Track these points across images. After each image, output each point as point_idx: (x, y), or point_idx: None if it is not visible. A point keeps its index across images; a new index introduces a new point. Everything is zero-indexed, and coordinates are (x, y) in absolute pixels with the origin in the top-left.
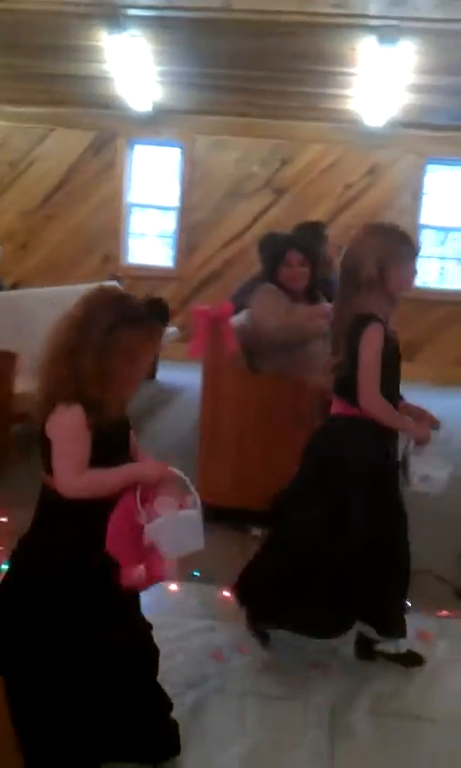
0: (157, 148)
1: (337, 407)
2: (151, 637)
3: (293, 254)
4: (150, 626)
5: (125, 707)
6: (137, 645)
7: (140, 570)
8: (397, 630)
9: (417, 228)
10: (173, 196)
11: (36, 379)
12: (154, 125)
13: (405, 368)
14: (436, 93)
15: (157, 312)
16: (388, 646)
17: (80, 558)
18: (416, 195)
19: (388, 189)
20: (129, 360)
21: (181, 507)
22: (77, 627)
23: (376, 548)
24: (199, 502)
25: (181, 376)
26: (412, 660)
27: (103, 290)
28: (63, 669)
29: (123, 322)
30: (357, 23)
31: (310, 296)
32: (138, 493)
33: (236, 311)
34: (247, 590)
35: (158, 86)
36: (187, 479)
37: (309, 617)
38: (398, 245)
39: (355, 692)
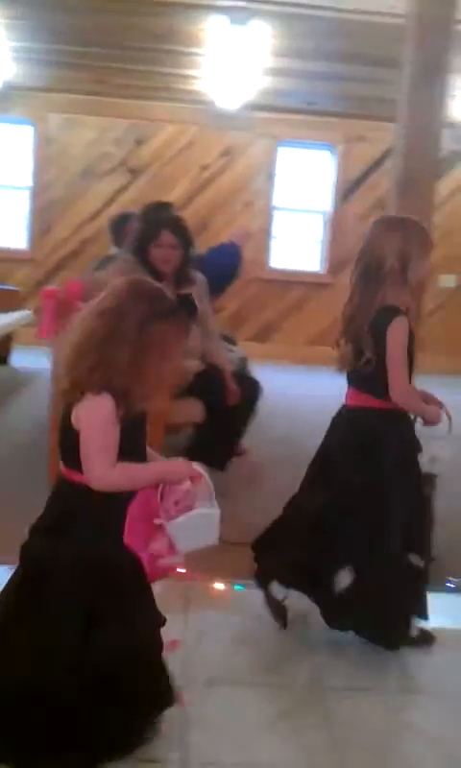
0: (7, 126)
1: (357, 399)
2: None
3: (166, 235)
4: (164, 620)
5: (118, 704)
6: (144, 639)
7: (164, 561)
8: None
9: (270, 209)
10: (26, 175)
11: (64, 368)
12: (4, 102)
13: (262, 348)
14: (289, 76)
15: (185, 307)
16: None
17: (98, 549)
18: (269, 177)
19: (243, 171)
20: (160, 354)
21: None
22: (86, 620)
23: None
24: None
25: (36, 361)
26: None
27: (135, 282)
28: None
29: (155, 315)
30: (207, 3)
31: (178, 279)
32: (160, 490)
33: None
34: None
35: (10, 63)
36: (207, 475)
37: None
38: (419, 237)
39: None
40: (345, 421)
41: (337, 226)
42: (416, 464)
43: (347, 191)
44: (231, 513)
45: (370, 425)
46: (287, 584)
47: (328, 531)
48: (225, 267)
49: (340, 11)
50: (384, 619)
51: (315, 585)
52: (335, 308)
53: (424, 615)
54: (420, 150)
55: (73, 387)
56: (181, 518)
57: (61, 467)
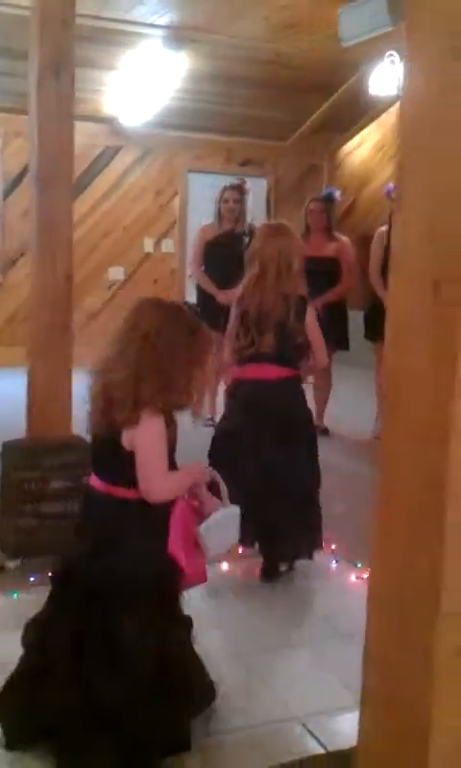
0: None
1: (284, 372)
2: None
3: None
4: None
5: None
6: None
7: (200, 569)
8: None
9: None
10: None
11: (105, 393)
12: None
13: None
14: None
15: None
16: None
17: (151, 560)
18: None
19: None
20: (201, 367)
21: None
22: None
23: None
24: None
25: None
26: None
27: (157, 301)
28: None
29: (192, 332)
30: None
31: None
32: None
33: None
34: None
35: None
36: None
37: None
38: (298, 238)
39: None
40: (277, 390)
41: (5, 223)
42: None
43: (9, 187)
44: None
45: (299, 390)
46: None
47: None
48: None
49: None
50: None
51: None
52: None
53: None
54: (53, 144)
55: (133, 410)
56: (210, 519)
57: (100, 484)
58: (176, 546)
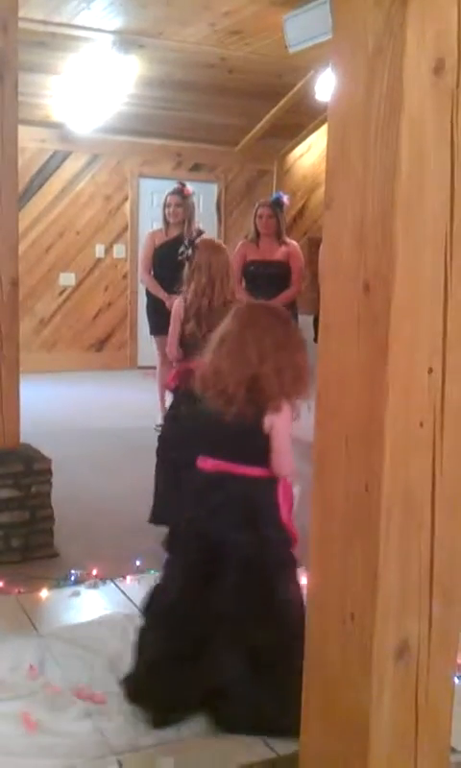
0: None
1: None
2: None
3: None
4: None
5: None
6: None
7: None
8: None
9: None
10: None
11: (248, 385)
12: None
13: None
14: None
15: None
16: None
17: (284, 531)
18: None
19: None
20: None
21: None
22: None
23: None
24: None
25: None
26: None
27: (269, 307)
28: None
29: (298, 333)
30: None
31: None
32: None
33: None
34: None
35: None
36: None
37: None
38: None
39: None
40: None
41: None
42: None
43: None
44: None
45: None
46: None
47: None
48: None
49: None
50: None
51: None
52: None
53: None
54: None
55: (278, 398)
56: (296, 491)
57: (229, 466)
58: (287, 516)
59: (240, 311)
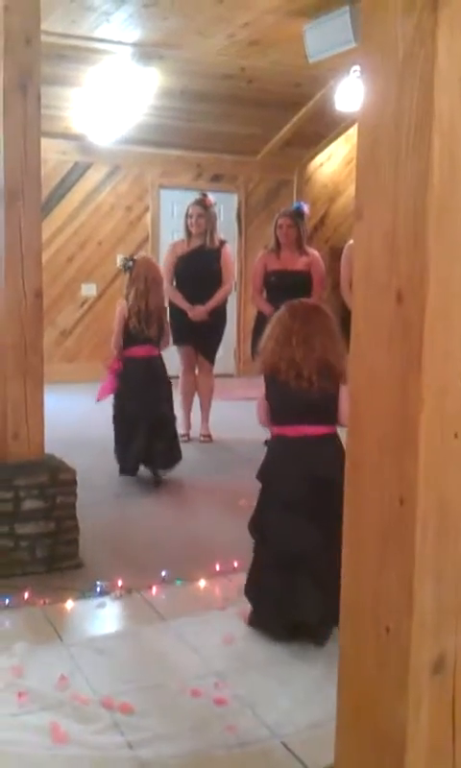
0: None
1: (155, 350)
2: None
3: None
4: None
5: None
6: None
7: None
8: None
9: None
10: None
11: (318, 366)
12: None
13: None
14: None
15: None
16: None
17: None
18: None
19: None
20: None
21: None
22: None
23: None
24: None
25: None
26: None
27: (307, 303)
28: None
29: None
30: None
31: None
32: None
33: None
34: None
35: None
36: None
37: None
38: None
39: None
40: (159, 363)
41: None
42: None
43: None
44: None
45: (160, 363)
46: None
47: None
48: None
49: None
50: None
51: None
52: None
53: None
54: (20, 161)
55: (344, 372)
56: None
57: (317, 429)
58: None
59: (297, 311)
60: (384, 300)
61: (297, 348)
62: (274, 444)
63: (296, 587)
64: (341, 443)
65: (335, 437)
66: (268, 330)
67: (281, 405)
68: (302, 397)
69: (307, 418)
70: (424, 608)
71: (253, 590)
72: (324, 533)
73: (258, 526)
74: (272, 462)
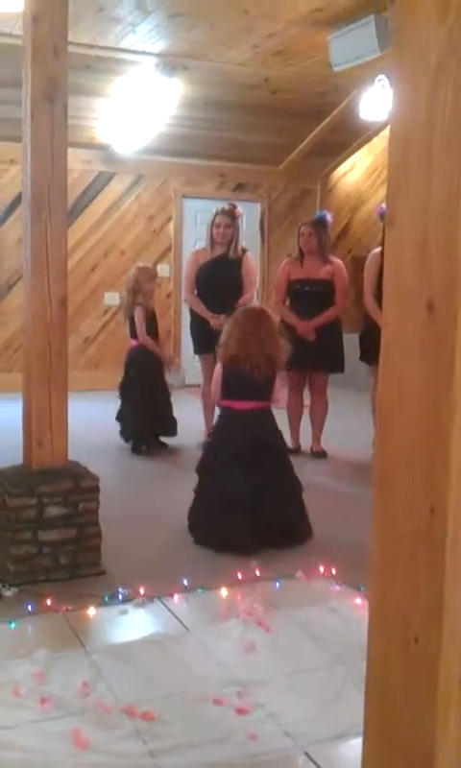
0: None
1: (135, 342)
2: None
3: None
4: None
5: None
6: None
7: None
8: None
9: None
10: None
11: (266, 357)
12: None
13: None
14: None
15: None
16: None
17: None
18: None
19: None
20: None
21: None
22: None
23: None
24: None
25: None
26: None
27: (253, 309)
28: None
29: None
30: None
31: None
32: None
33: None
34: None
35: None
36: None
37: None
38: None
39: None
40: (138, 353)
41: (1, 250)
42: None
43: (4, 215)
44: None
45: (150, 353)
46: None
47: None
48: None
49: None
50: None
51: None
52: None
53: None
54: (46, 171)
55: (282, 360)
56: None
57: (255, 404)
58: None
59: (250, 316)
60: (415, 308)
61: (252, 344)
62: (224, 414)
63: (233, 517)
64: (272, 414)
65: (270, 410)
66: (228, 329)
67: (235, 385)
68: (250, 380)
69: (252, 395)
70: (454, 618)
71: (194, 516)
72: (258, 480)
73: (207, 471)
74: (223, 426)
